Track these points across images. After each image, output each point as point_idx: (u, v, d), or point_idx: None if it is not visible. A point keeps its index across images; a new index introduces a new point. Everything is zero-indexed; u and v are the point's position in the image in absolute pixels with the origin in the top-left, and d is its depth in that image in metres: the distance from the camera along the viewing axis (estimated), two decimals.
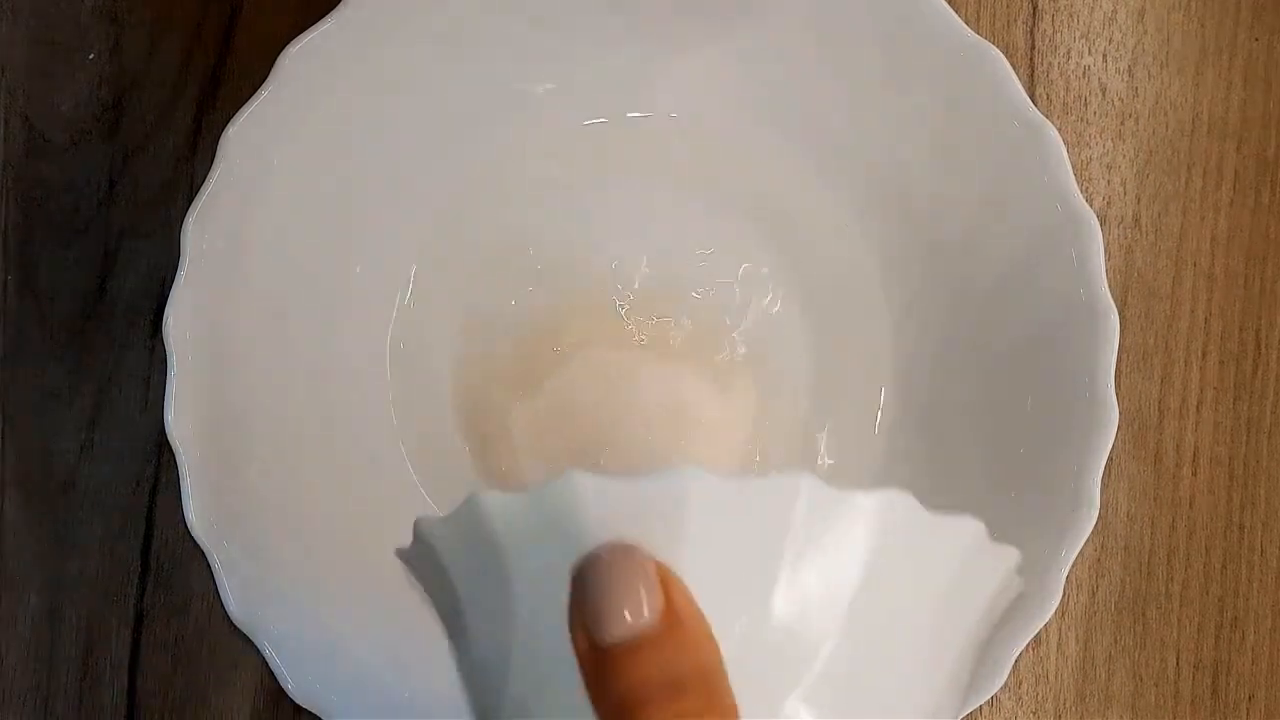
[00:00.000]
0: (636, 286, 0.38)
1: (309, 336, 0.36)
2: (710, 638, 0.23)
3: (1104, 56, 0.38)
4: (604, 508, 0.24)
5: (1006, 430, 0.36)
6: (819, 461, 0.38)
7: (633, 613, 0.23)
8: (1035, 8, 0.38)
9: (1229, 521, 0.38)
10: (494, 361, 0.37)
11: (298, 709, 0.36)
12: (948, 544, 0.25)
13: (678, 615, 0.23)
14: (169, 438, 0.35)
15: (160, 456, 0.38)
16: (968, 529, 0.26)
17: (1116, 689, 0.38)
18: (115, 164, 0.38)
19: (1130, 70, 0.38)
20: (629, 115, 0.37)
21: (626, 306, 0.38)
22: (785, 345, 0.38)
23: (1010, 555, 0.26)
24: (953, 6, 0.34)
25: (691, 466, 0.24)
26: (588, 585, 0.23)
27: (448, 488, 0.37)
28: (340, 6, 0.34)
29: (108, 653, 0.38)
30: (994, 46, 0.34)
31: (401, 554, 0.28)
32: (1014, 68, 0.34)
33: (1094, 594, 0.38)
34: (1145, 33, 0.38)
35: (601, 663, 0.23)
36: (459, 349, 0.37)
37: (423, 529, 0.26)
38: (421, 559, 0.27)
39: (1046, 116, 0.35)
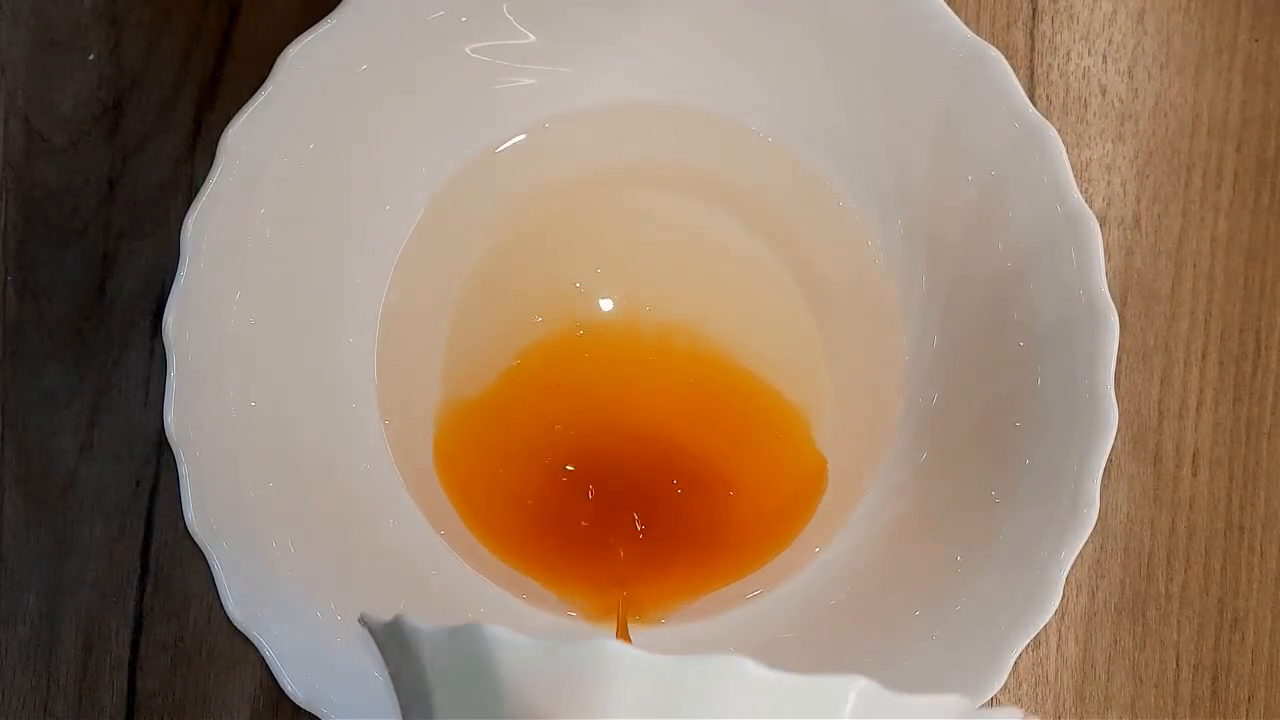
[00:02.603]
0: (633, 288, 0.38)
1: (308, 337, 0.36)
2: None
3: (1104, 58, 0.38)
4: (520, 667, 0.23)
5: (1006, 431, 0.36)
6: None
7: None
8: (1035, 9, 0.38)
9: (1229, 522, 0.38)
10: (481, 365, 0.37)
11: (297, 709, 0.36)
12: None
13: None
14: (168, 438, 0.35)
15: (160, 457, 0.38)
16: (940, 708, 0.24)
17: (1116, 690, 0.38)
18: (115, 164, 0.38)
19: (1130, 71, 0.38)
20: (625, 112, 0.37)
21: (621, 309, 0.38)
22: (790, 347, 0.38)
23: (1008, 716, 0.25)
24: (953, 7, 0.34)
25: (614, 641, 0.23)
26: None
27: (435, 490, 0.37)
28: (340, 7, 0.34)
29: (107, 653, 0.38)
30: (994, 48, 0.34)
31: (364, 625, 0.27)
32: (1014, 69, 0.34)
33: (1094, 595, 0.38)
34: (1145, 34, 0.38)
35: None
36: (448, 352, 0.37)
37: (368, 627, 0.26)
38: (373, 645, 0.27)
39: (1046, 118, 0.35)
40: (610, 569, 0.37)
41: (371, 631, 0.26)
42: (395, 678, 0.26)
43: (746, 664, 0.22)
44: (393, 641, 0.25)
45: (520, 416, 0.37)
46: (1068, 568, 0.34)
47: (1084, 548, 0.34)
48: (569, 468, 0.37)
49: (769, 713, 0.22)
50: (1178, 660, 0.38)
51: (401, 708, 0.26)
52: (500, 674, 0.23)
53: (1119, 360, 0.35)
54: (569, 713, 0.23)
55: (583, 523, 0.37)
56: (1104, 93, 0.38)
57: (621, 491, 0.37)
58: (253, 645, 0.35)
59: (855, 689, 0.23)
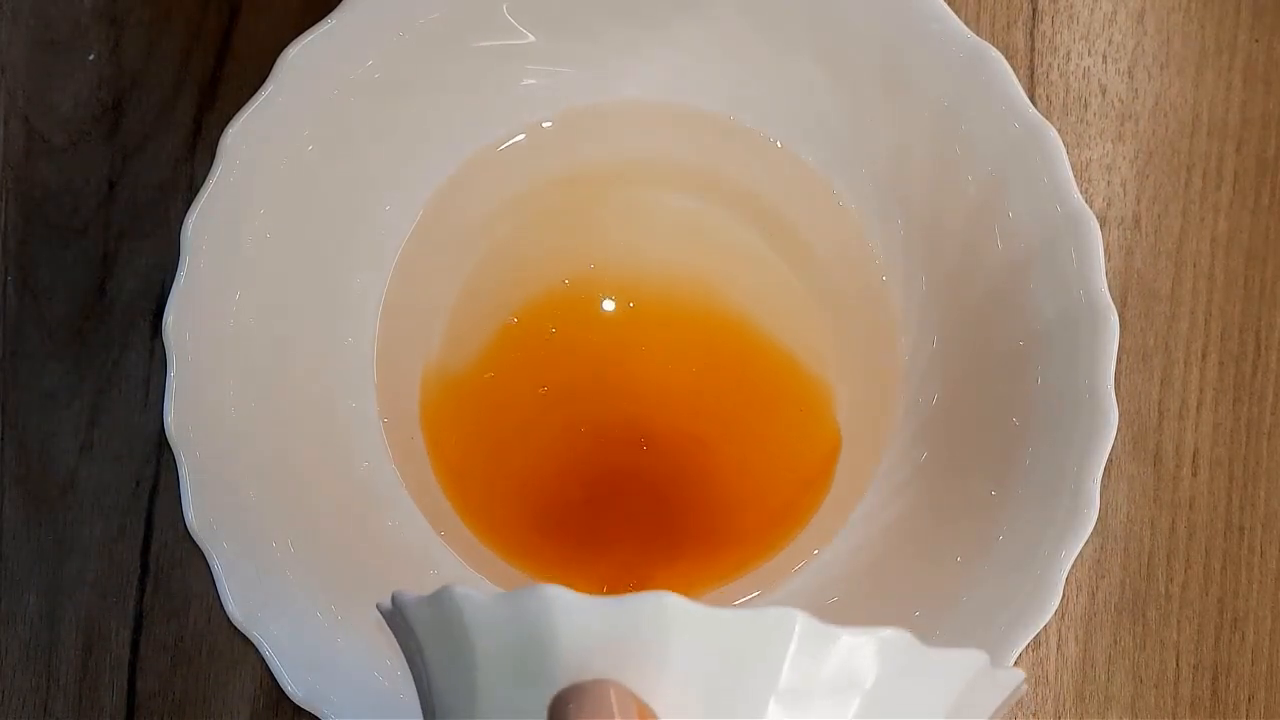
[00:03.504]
0: (634, 284, 0.38)
1: (308, 337, 0.36)
2: None
3: (1104, 58, 0.38)
4: (577, 627, 0.23)
5: (1006, 431, 0.36)
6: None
7: None
8: (1035, 9, 0.38)
9: (1229, 523, 0.38)
10: (480, 363, 0.37)
11: (297, 709, 0.36)
12: (947, 680, 0.24)
13: None
14: (168, 438, 0.35)
15: (160, 457, 0.38)
16: (967, 663, 0.24)
17: (1116, 690, 0.38)
18: (115, 164, 0.38)
19: (1130, 71, 0.38)
20: (626, 112, 0.37)
21: (622, 304, 0.38)
22: (793, 342, 0.38)
23: (1011, 679, 0.25)
24: (953, 7, 0.34)
25: (671, 594, 0.23)
26: None
27: (435, 489, 0.37)
28: (340, 7, 0.34)
29: (107, 653, 0.38)
30: (994, 48, 0.34)
31: (383, 613, 0.27)
32: (1014, 69, 0.34)
33: (1094, 595, 0.38)
34: (1145, 34, 0.38)
35: None
36: (447, 350, 0.37)
37: (401, 604, 0.26)
38: (401, 629, 0.26)
39: (1046, 118, 0.35)
40: (610, 567, 0.37)
41: (402, 609, 0.26)
42: (430, 655, 0.25)
43: (800, 615, 0.23)
44: (434, 615, 0.25)
45: (519, 409, 0.37)
46: (1068, 568, 0.34)
47: (1084, 548, 0.34)
48: (567, 461, 0.37)
49: (817, 660, 0.23)
50: (1178, 660, 0.38)
51: (433, 690, 0.26)
52: (558, 635, 0.23)
53: (1119, 360, 0.35)
54: (628, 668, 0.23)
55: (582, 518, 0.37)
56: (1104, 93, 0.38)
57: (623, 485, 0.37)
58: (253, 645, 0.35)
59: (885, 639, 0.24)
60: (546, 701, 0.23)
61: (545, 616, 0.23)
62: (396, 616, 0.26)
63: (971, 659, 0.24)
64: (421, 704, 0.27)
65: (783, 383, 0.37)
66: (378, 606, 0.27)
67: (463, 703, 0.24)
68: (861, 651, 0.23)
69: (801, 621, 0.23)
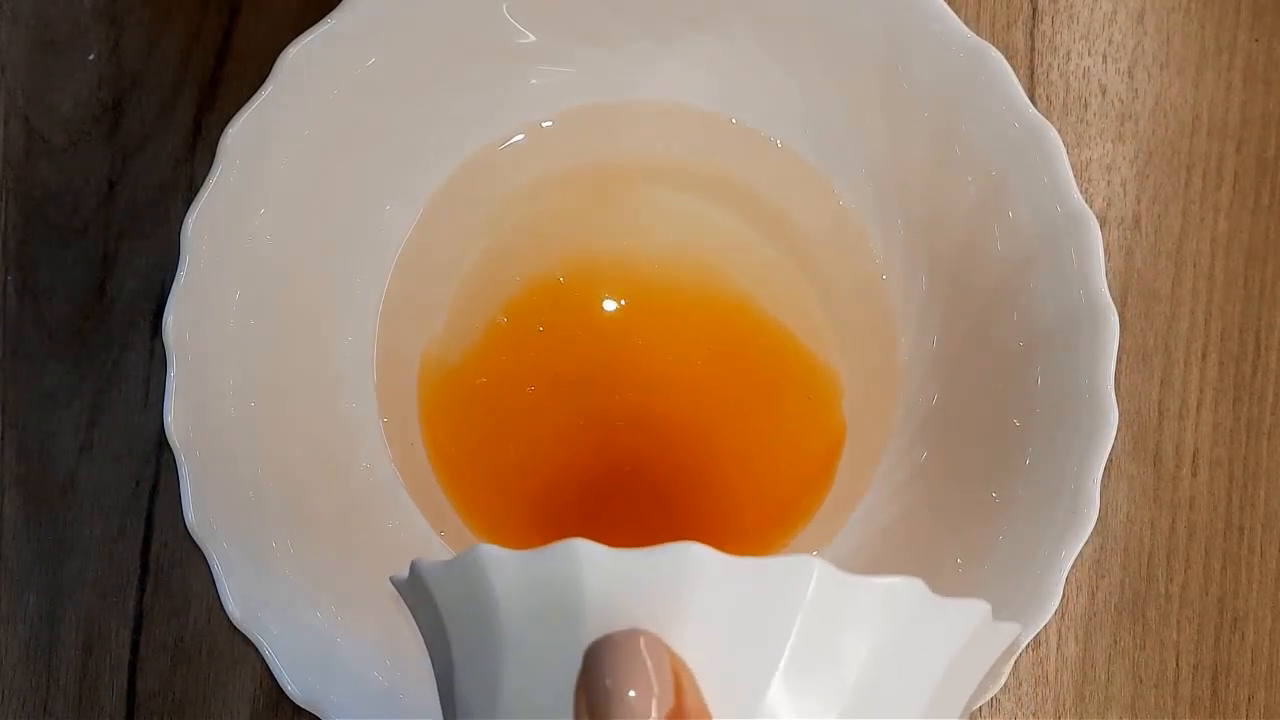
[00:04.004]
0: (635, 283, 0.38)
1: (308, 337, 0.37)
2: None
3: (1104, 58, 0.38)
4: (604, 580, 0.23)
5: (1006, 431, 0.36)
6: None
7: (640, 711, 0.22)
8: (1035, 9, 0.38)
9: (1228, 523, 0.38)
10: (479, 362, 0.37)
11: (297, 709, 0.36)
12: (953, 628, 0.25)
13: (685, 715, 0.23)
14: (168, 438, 0.35)
15: (160, 457, 0.38)
16: (973, 612, 0.25)
17: (1116, 690, 0.38)
18: (115, 165, 0.38)
19: (1130, 71, 0.38)
20: (625, 112, 0.37)
21: (623, 303, 0.38)
22: (794, 340, 0.38)
23: (1010, 631, 0.26)
24: (953, 7, 0.34)
25: (697, 544, 0.24)
26: (600, 672, 0.23)
27: (435, 490, 0.37)
28: (339, 7, 0.34)
29: (107, 653, 0.38)
30: (994, 48, 0.34)
31: (398, 586, 0.27)
32: (1014, 69, 0.34)
33: (1094, 595, 0.38)
34: (1145, 34, 0.38)
35: None
36: (447, 350, 0.37)
37: (421, 571, 0.26)
38: (418, 600, 0.27)
39: (1046, 118, 0.35)
40: None
41: (421, 575, 0.26)
42: (451, 621, 0.25)
43: (817, 562, 0.24)
44: (457, 578, 0.25)
45: (517, 407, 0.37)
46: (1068, 568, 0.34)
47: (1084, 548, 0.34)
48: (567, 458, 0.37)
49: (834, 605, 0.24)
50: (1178, 660, 0.38)
51: (454, 659, 0.26)
52: (585, 588, 0.24)
53: (1119, 360, 0.35)
54: (655, 617, 0.23)
55: (582, 517, 0.37)
56: (1104, 93, 0.38)
57: (624, 483, 0.37)
58: (253, 645, 0.35)
59: (898, 587, 0.25)
60: (577, 654, 0.23)
61: (572, 570, 0.24)
62: (413, 585, 0.26)
63: (977, 609, 0.25)
64: (439, 680, 0.27)
65: (788, 369, 0.37)
66: (391, 579, 0.27)
67: (488, 665, 0.24)
68: (876, 597, 0.24)
69: (819, 568, 0.24)
